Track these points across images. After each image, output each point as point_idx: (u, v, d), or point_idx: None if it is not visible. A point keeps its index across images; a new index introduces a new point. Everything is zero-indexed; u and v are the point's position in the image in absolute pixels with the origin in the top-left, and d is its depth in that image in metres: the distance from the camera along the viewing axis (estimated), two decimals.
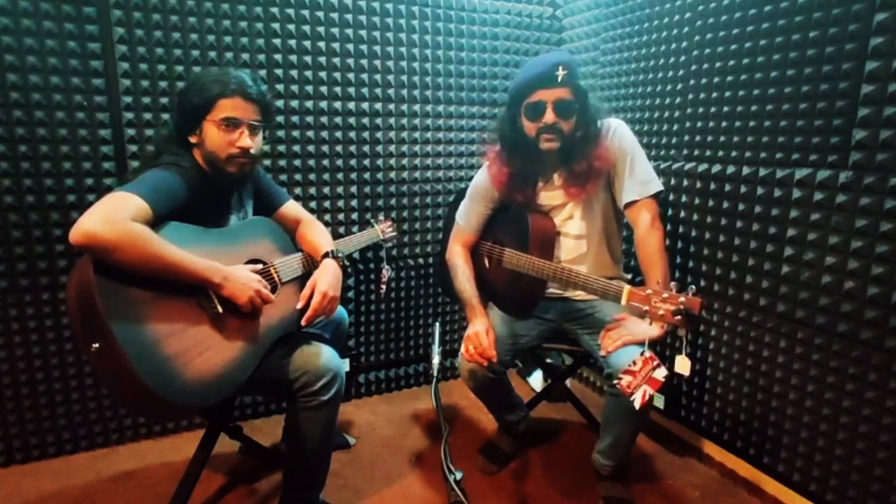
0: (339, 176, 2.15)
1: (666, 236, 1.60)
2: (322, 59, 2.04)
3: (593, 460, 1.70)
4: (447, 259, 1.85)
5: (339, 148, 2.13)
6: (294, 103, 2.02)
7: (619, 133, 1.59)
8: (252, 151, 1.39)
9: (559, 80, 1.48)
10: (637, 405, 1.31)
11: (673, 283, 1.27)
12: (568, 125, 1.54)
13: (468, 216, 1.81)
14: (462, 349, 1.63)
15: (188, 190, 1.31)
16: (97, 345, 1.12)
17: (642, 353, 1.33)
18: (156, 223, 1.21)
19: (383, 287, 2.15)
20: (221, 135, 1.35)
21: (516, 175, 1.65)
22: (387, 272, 2.15)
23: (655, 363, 1.32)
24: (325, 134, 2.09)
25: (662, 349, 1.99)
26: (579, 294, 1.72)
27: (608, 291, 1.41)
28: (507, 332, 1.69)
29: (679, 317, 1.22)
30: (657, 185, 1.58)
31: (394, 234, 2.11)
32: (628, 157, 1.57)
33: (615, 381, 1.35)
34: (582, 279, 1.50)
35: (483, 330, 1.60)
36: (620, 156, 1.58)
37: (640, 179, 1.57)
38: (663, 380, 1.30)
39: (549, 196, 1.68)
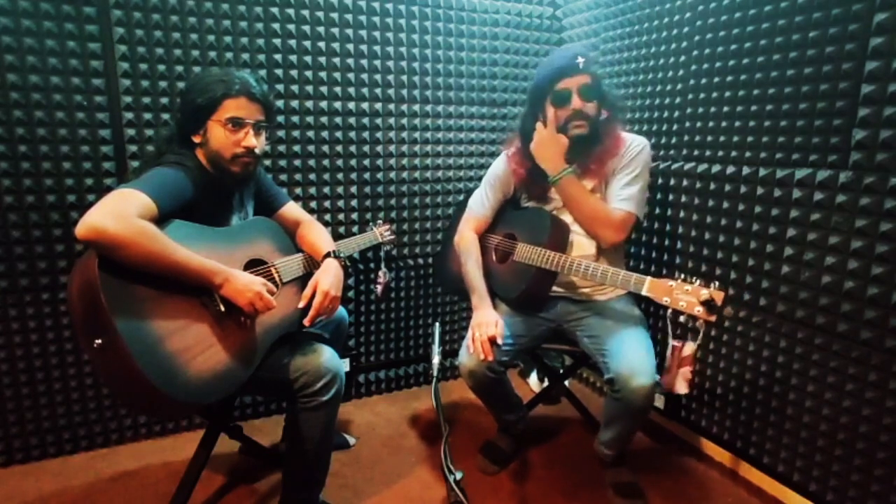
0: (339, 176, 2.15)
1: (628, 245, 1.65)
2: (322, 59, 2.04)
3: (596, 448, 1.71)
4: (457, 244, 1.86)
5: (339, 148, 2.13)
6: (294, 103, 2.02)
7: (644, 152, 1.65)
8: (256, 151, 1.40)
9: (581, 66, 1.57)
10: (684, 391, 1.35)
11: (696, 278, 1.30)
12: (593, 108, 1.62)
13: (483, 202, 1.84)
14: (468, 337, 1.63)
15: (193, 189, 1.32)
16: (100, 341, 1.12)
17: (671, 349, 1.38)
18: (160, 221, 1.21)
19: (380, 286, 2.17)
20: (226, 134, 1.36)
21: (535, 169, 1.70)
22: (384, 275, 2.15)
23: (681, 344, 1.35)
24: (325, 134, 2.09)
25: (664, 348, 1.99)
26: (582, 293, 1.73)
27: (629, 281, 1.43)
28: (509, 332, 1.69)
29: (701, 308, 1.24)
30: (635, 208, 1.62)
31: (392, 237, 2.12)
32: (634, 173, 1.62)
33: (658, 392, 1.39)
34: (601, 270, 1.51)
35: (493, 319, 1.61)
36: (630, 165, 1.62)
37: (626, 195, 1.61)
38: (693, 353, 1.34)
39: None
